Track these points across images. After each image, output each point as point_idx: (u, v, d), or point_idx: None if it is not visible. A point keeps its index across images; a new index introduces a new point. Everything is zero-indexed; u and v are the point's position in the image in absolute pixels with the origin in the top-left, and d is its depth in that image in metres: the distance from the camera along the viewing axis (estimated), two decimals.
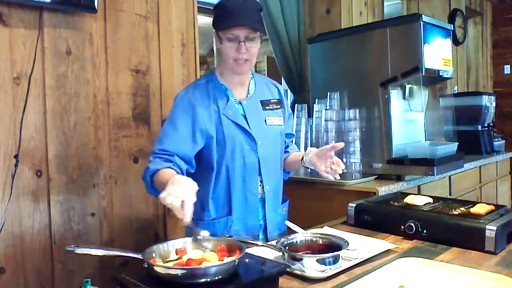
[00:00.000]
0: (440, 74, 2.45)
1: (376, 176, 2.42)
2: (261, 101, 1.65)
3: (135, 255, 1.06)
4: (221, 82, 1.61)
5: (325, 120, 2.44)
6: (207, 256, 1.10)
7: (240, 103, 1.60)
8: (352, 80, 2.54)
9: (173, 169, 1.42)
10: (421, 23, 2.28)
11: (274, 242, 1.31)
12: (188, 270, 1.00)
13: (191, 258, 1.07)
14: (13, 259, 1.68)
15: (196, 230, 1.16)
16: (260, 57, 5.57)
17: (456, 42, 4.53)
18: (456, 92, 4.48)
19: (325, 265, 1.17)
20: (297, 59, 3.04)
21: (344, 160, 1.57)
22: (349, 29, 2.80)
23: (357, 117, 2.39)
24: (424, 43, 2.29)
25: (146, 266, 1.02)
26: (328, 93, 2.48)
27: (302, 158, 1.65)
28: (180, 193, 1.14)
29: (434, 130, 2.78)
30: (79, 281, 1.58)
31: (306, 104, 2.68)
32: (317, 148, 1.61)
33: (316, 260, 1.17)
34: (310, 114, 2.65)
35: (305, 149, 1.76)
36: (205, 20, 3.02)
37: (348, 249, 1.24)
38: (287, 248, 1.26)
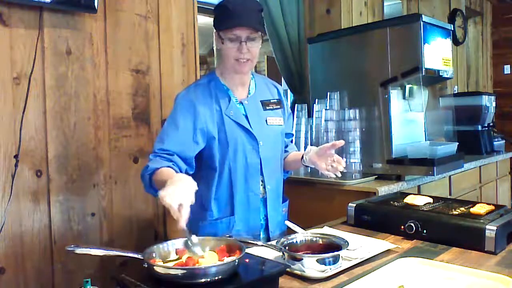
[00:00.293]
0: (440, 74, 2.45)
1: (376, 176, 2.42)
2: (261, 101, 1.65)
3: (135, 255, 1.06)
4: (222, 82, 1.61)
5: (325, 120, 2.44)
6: (207, 255, 1.10)
7: (241, 103, 1.60)
8: (352, 80, 2.54)
9: (172, 168, 1.42)
10: (421, 23, 2.28)
11: (274, 242, 1.31)
12: (188, 270, 1.00)
13: (189, 257, 1.07)
14: (13, 259, 1.68)
15: (188, 234, 1.14)
16: (260, 57, 5.54)
17: (456, 42, 4.53)
18: (456, 92, 4.48)
19: (325, 265, 1.17)
20: (297, 59, 3.04)
21: (344, 160, 1.57)
22: (349, 29, 2.80)
23: (357, 117, 2.39)
24: (424, 43, 2.29)
25: (146, 266, 1.02)
26: (328, 93, 2.48)
27: (302, 157, 1.65)
28: (179, 194, 1.13)
29: (434, 130, 2.78)
30: (79, 281, 1.58)
31: (306, 104, 2.68)
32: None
33: (316, 260, 1.17)
34: (310, 114, 2.65)
35: (305, 149, 1.76)
36: (205, 20, 3.02)
37: (348, 249, 1.24)
38: (287, 248, 1.26)
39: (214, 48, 3.56)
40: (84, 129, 1.88)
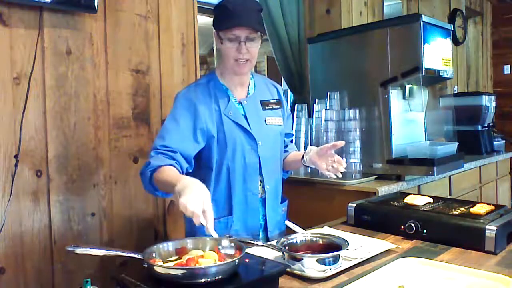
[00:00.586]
0: (440, 74, 2.45)
1: (376, 176, 2.42)
2: (260, 101, 1.65)
3: (135, 255, 1.06)
4: (222, 82, 1.61)
5: (325, 120, 2.44)
6: (207, 255, 1.10)
7: (240, 103, 1.60)
8: (352, 80, 2.54)
9: (175, 167, 1.40)
10: (421, 23, 2.28)
11: (274, 242, 1.31)
12: (188, 270, 1.00)
13: (190, 257, 1.07)
14: (13, 259, 1.68)
15: (219, 238, 1.16)
16: (260, 57, 5.57)
17: (456, 42, 4.53)
18: (456, 92, 4.48)
19: (325, 265, 1.17)
20: (297, 59, 3.04)
21: (344, 160, 1.57)
22: (349, 29, 2.80)
23: (357, 117, 2.39)
24: (424, 43, 2.29)
25: (146, 266, 1.02)
26: (328, 93, 2.48)
27: (303, 157, 1.65)
28: (200, 200, 1.13)
29: (434, 130, 2.78)
30: (79, 281, 1.58)
31: (306, 104, 2.68)
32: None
33: (316, 260, 1.17)
34: (310, 114, 2.65)
35: (305, 149, 1.76)
36: (205, 20, 3.02)
37: (348, 249, 1.24)
38: (287, 248, 1.26)
39: (214, 48, 3.56)
40: (84, 129, 1.88)
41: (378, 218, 1.60)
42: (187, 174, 1.50)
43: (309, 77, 2.84)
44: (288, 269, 1.15)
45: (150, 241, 2.05)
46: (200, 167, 1.57)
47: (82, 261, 1.85)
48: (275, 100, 1.70)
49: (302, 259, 1.18)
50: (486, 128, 3.66)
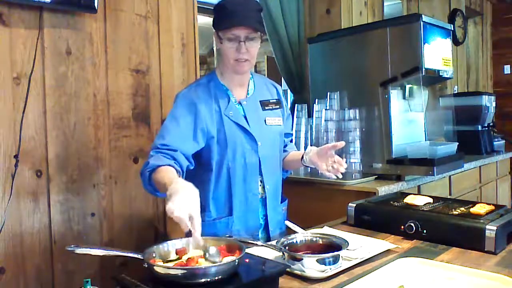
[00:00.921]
0: (440, 74, 2.45)
1: (376, 176, 2.42)
2: (260, 101, 1.65)
3: (135, 255, 1.06)
4: (222, 82, 1.61)
5: (325, 120, 2.44)
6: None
7: (240, 103, 1.60)
8: (352, 80, 2.54)
9: (174, 167, 1.39)
10: (421, 23, 2.28)
11: (274, 242, 1.31)
12: (188, 270, 1.00)
13: (190, 258, 1.07)
14: (13, 259, 1.68)
15: (205, 246, 1.11)
16: (260, 57, 5.57)
17: (456, 42, 4.53)
18: (456, 92, 4.48)
19: (325, 265, 1.17)
20: (297, 59, 3.04)
21: (344, 160, 1.57)
22: (349, 29, 2.80)
23: (357, 117, 2.39)
24: (424, 43, 2.29)
25: (146, 266, 1.02)
26: (328, 93, 2.48)
27: (302, 157, 1.65)
28: (187, 205, 1.10)
29: (434, 130, 2.78)
30: (79, 281, 1.58)
31: (306, 104, 2.68)
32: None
33: (316, 260, 1.17)
34: (310, 114, 2.65)
35: (305, 149, 1.76)
36: (205, 20, 3.02)
37: (348, 249, 1.24)
38: (287, 248, 1.26)
39: (214, 48, 3.56)
40: (84, 129, 1.88)
41: (378, 218, 1.60)
42: (189, 171, 1.50)
43: (309, 77, 2.84)
44: (288, 269, 1.15)
45: (150, 241, 2.05)
46: (200, 167, 1.56)
47: (82, 261, 1.85)
48: (275, 100, 1.70)
49: (302, 259, 1.18)
50: (486, 128, 3.66)
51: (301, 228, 1.45)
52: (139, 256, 1.05)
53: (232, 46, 1.50)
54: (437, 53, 2.41)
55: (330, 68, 2.72)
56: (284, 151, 1.79)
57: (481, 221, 1.37)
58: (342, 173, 1.57)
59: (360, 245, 1.36)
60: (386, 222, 1.57)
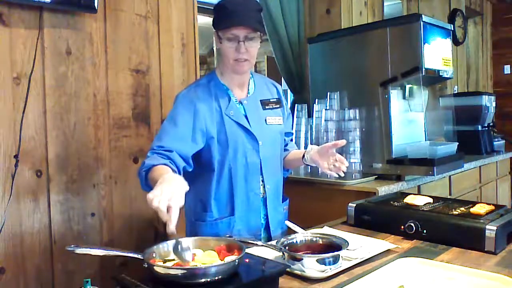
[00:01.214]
0: (440, 74, 2.45)
1: (376, 176, 2.42)
2: (260, 100, 1.65)
3: (135, 255, 1.06)
4: (222, 82, 1.61)
5: (325, 120, 2.44)
6: (208, 254, 1.10)
7: (240, 102, 1.60)
8: (352, 80, 2.54)
9: (169, 166, 1.38)
10: (421, 23, 2.28)
11: (274, 242, 1.31)
12: (188, 270, 1.00)
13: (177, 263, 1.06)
14: (13, 259, 1.68)
15: (177, 239, 1.08)
16: (260, 57, 5.57)
17: (456, 42, 4.53)
18: (456, 92, 4.48)
19: (325, 265, 1.17)
20: (297, 59, 3.04)
21: (347, 162, 1.57)
22: (349, 29, 2.80)
23: (357, 117, 2.39)
24: (424, 43, 2.29)
25: (146, 266, 1.02)
26: (328, 93, 2.48)
27: (303, 156, 1.65)
28: (168, 196, 1.07)
29: (434, 130, 2.78)
30: (79, 281, 1.58)
31: (306, 104, 2.68)
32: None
33: (316, 260, 1.17)
34: (310, 114, 2.65)
35: (306, 147, 1.76)
36: (205, 20, 3.02)
37: (348, 249, 1.24)
38: (287, 248, 1.26)
39: (214, 48, 3.56)
40: (84, 129, 1.88)
41: (378, 218, 1.60)
42: (187, 174, 1.50)
43: (309, 77, 2.84)
44: (288, 269, 1.15)
45: (150, 241, 2.05)
46: (201, 168, 1.56)
47: (82, 261, 1.85)
48: (275, 100, 1.70)
49: (302, 259, 1.18)
50: (486, 128, 3.66)
51: (301, 228, 1.45)
52: (139, 256, 1.05)
53: (232, 46, 1.50)
54: (437, 53, 2.41)
55: (330, 68, 2.72)
56: (285, 150, 1.80)
57: (481, 221, 1.37)
58: (344, 172, 1.57)
59: (360, 245, 1.36)
60: (386, 222, 1.57)
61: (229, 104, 1.56)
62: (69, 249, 1.02)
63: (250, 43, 1.50)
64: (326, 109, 2.45)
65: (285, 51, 2.99)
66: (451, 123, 3.21)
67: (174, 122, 1.50)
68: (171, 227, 1.06)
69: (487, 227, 1.32)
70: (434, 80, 2.62)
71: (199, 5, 2.42)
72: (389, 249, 1.35)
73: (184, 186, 1.15)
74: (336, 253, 1.20)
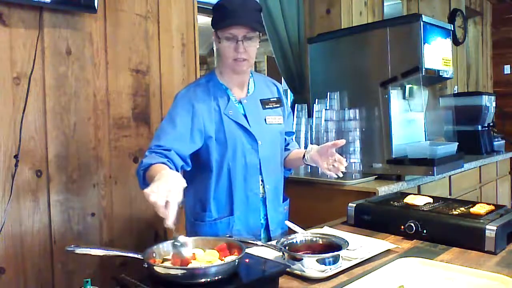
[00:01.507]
0: (440, 74, 2.45)
1: (376, 176, 2.42)
2: (260, 100, 1.65)
3: (135, 255, 1.06)
4: (221, 82, 1.61)
5: (325, 120, 2.44)
6: (208, 254, 1.10)
7: (240, 102, 1.60)
8: (352, 80, 2.54)
9: (167, 165, 1.38)
10: (421, 23, 2.28)
11: (274, 242, 1.31)
12: (188, 270, 1.00)
13: (176, 256, 1.06)
14: (13, 259, 1.68)
15: (175, 234, 1.09)
16: (260, 57, 5.57)
17: (456, 42, 4.53)
18: (456, 92, 4.48)
19: (325, 265, 1.17)
20: (297, 59, 3.04)
21: (345, 159, 1.57)
22: (349, 29, 2.80)
23: (357, 117, 2.39)
24: (424, 43, 2.29)
25: (146, 266, 1.02)
26: (328, 93, 2.48)
27: (304, 155, 1.64)
28: (165, 191, 1.07)
29: (434, 130, 2.78)
30: (79, 281, 1.58)
31: (306, 104, 2.68)
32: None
33: (316, 260, 1.17)
34: (310, 114, 2.65)
35: (306, 147, 1.76)
36: (205, 20, 3.01)
37: (348, 249, 1.24)
38: (287, 248, 1.26)
39: (214, 48, 3.56)
40: (84, 129, 1.88)
41: (378, 218, 1.60)
42: (186, 173, 1.50)
43: (309, 77, 2.84)
44: (288, 269, 1.15)
45: (150, 241, 2.05)
46: (200, 168, 1.56)
47: (82, 261, 1.85)
48: (275, 99, 1.70)
49: (302, 259, 1.18)
50: (486, 128, 3.66)
51: (301, 228, 1.45)
52: (139, 256, 1.05)
53: (230, 46, 1.50)
54: (437, 53, 2.41)
55: (330, 68, 2.72)
56: (286, 149, 1.79)
57: (481, 221, 1.37)
58: (342, 172, 1.57)
59: (360, 245, 1.36)
60: (386, 222, 1.57)
61: (228, 103, 1.56)
62: (69, 249, 1.02)
63: (249, 42, 1.50)
64: (326, 109, 2.45)
65: (285, 51, 2.99)
66: (451, 123, 3.21)
67: (172, 122, 1.50)
68: (169, 222, 1.06)
69: (487, 227, 1.32)
70: (434, 80, 2.62)
71: (199, 5, 2.42)
72: (389, 249, 1.35)
73: (182, 182, 1.15)
74: (336, 253, 1.20)
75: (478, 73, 5.34)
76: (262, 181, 1.61)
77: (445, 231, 1.42)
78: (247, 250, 1.10)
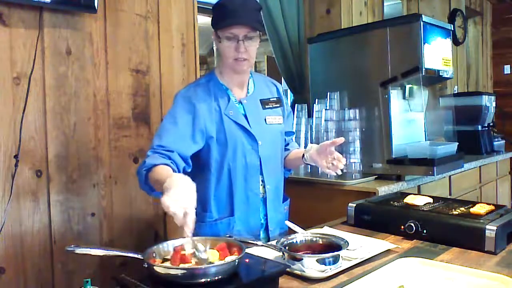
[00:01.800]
0: (440, 74, 2.45)
1: (376, 176, 2.42)
2: (260, 100, 1.65)
3: (135, 255, 1.06)
4: (221, 82, 1.60)
5: (325, 120, 2.44)
6: (211, 253, 1.10)
7: (240, 102, 1.60)
8: (352, 80, 2.54)
9: (170, 166, 1.39)
10: (421, 23, 2.28)
11: (274, 242, 1.31)
12: (188, 270, 1.00)
13: (176, 254, 1.06)
14: (13, 259, 1.68)
15: (194, 243, 1.09)
16: (260, 57, 5.57)
17: (456, 42, 4.53)
18: (456, 92, 4.48)
19: (325, 265, 1.17)
20: (297, 59, 3.04)
21: (344, 158, 1.57)
22: (349, 29, 2.80)
23: (357, 117, 2.39)
24: (424, 43, 2.29)
25: (146, 266, 1.02)
26: (328, 93, 2.48)
27: (303, 155, 1.64)
28: (183, 200, 1.07)
29: (434, 130, 2.78)
30: (79, 281, 1.58)
31: (306, 104, 2.68)
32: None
33: (316, 260, 1.17)
34: (310, 114, 2.65)
35: (305, 147, 1.76)
36: (205, 20, 3.01)
37: (348, 249, 1.24)
38: (287, 248, 1.26)
39: (214, 48, 3.56)
40: (84, 129, 1.88)
41: (378, 218, 1.60)
42: (186, 174, 1.50)
43: (309, 77, 2.84)
44: (288, 269, 1.15)
45: (150, 241, 2.05)
46: (200, 168, 1.56)
47: (82, 261, 1.85)
48: (275, 99, 1.70)
49: (302, 259, 1.18)
50: (486, 128, 3.66)
51: (301, 228, 1.45)
52: (139, 256, 1.05)
53: (231, 45, 1.49)
54: (437, 53, 2.41)
55: (330, 68, 2.72)
56: (286, 149, 1.79)
57: (481, 221, 1.37)
58: (342, 172, 1.57)
59: (360, 245, 1.36)
60: (386, 222, 1.57)
61: (228, 104, 1.56)
62: (69, 249, 1.02)
63: (249, 42, 1.50)
64: (326, 109, 2.45)
65: (285, 51, 2.99)
66: (451, 123, 3.21)
67: (174, 121, 1.50)
68: (188, 232, 1.06)
69: (487, 227, 1.32)
70: (434, 80, 2.62)
71: (199, 5, 2.42)
72: (389, 249, 1.35)
73: (194, 187, 1.14)
74: (336, 253, 1.20)
75: (478, 73, 5.34)
76: (263, 181, 1.61)
77: (445, 231, 1.42)
78: (247, 250, 1.10)
